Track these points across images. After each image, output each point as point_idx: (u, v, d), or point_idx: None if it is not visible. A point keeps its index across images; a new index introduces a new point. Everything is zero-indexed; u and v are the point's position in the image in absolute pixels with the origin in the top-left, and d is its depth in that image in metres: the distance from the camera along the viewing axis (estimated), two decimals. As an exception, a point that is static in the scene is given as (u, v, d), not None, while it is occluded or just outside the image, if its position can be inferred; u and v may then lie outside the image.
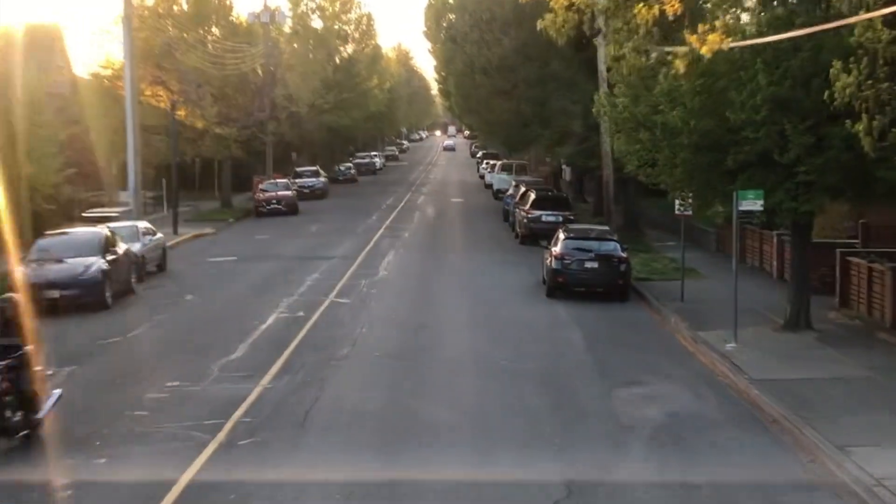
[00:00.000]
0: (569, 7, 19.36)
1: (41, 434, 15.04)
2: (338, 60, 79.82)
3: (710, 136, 22.11)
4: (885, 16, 15.55)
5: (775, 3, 21.85)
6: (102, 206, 44.79)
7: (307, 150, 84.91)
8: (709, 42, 13.95)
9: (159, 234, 35.51)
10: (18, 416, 14.60)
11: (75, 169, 42.09)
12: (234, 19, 62.62)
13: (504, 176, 66.65)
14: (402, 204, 63.77)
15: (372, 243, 42.14)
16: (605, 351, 22.29)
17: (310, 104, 68.27)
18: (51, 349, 21.80)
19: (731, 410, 17.49)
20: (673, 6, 17.93)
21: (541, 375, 19.87)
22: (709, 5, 22.57)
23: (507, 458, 14.85)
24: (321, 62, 70.58)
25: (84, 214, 39.66)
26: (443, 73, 79.99)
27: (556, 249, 29.07)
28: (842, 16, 16.27)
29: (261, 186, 59.27)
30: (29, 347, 15.01)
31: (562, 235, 29.87)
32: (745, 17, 22.85)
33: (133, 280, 29.80)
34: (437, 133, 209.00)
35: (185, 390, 18.26)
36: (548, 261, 29.62)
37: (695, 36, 13.84)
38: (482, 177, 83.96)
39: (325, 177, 71.93)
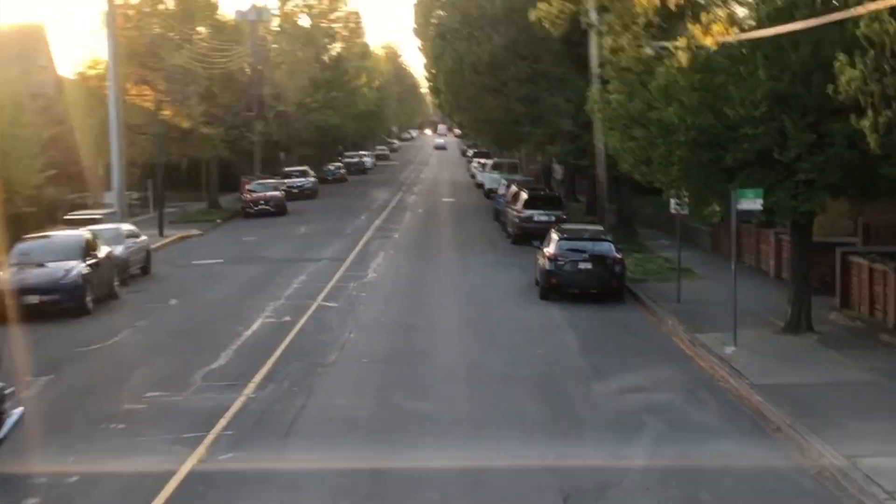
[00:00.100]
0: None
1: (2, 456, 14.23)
2: (326, 59, 79.11)
3: (708, 133, 21.45)
4: (892, 7, 14.90)
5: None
6: (87, 207, 44.05)
7: (296, 150, 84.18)
8: (714, 33, 13.26)
9: (143, 237, 34.81)
10: None
11: (59, 170, 41.39)
12: (221, 17, 61.89)
13: (495, 175, 65.99)
14: (393, 204, 63.10)
15: (361, 244, 41.47)
16: (601, 355, 21.62)
17: (298, 103, 67.54)
18: (29, 357, 21.28)
19: (733, 418, 16.84)
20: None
21: (535, 381, 19.26)
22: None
23: (501, 469, 14.25)
24: (309, 60, 69.78)
25: (66, 217, 38.90)
26: (433, 71, 79.29)
27: (550, 250, 28.45)
28: (846, 7, 15.61)
29: (248, 187, 58.55)
30: None
31: (555, 236, 29.25)
32: (741, 12, 22.19)
33: (115, 284, 29.10)
34: (428, 132, 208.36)
35: (165, 401, 17.58)
36: (541, 262, 29.00)
37: (699, 26, 13.14)
38: (473, 176, 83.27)
39: (314, 177, 71.23)
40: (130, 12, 53.37)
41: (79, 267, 26.63)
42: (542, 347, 22.39)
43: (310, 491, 13.44)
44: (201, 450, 14.70)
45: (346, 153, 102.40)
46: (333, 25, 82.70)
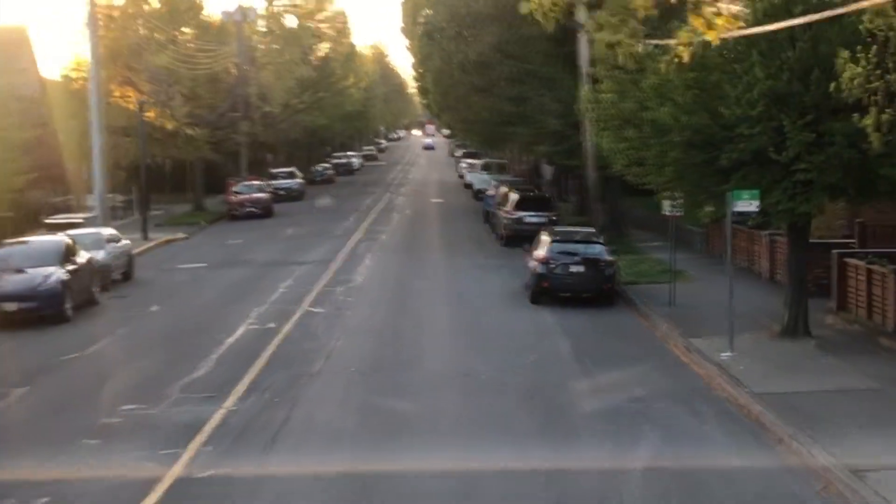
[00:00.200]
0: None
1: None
2: (313, 59, 78.44)
3: (703, 133, 20.84)
4: (896, 1, 14.37)
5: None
6: (70, 210, 43.34)
7: (283, 151, 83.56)
8: (718, 26, 12.67)
9: (125, 241, 34.13)
10: None
11: (42, 173, 40.72)
12: (206, 18, 61.23)
13: (484, 175, 65.35)
14: (381, 205, 62.44)
15: (349, 247, 40.81)
16: (595, 362, 20.97)
17: (284, 103, 66.87)
18: (3, 367, 20.63)
19: (733, 429, 16.21)
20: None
21: (528, 389, 18.66)
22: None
23: (493, 484, 13.66)
24: (296, 61, 69.10)
25: (47, 220, 38.15)
26: (420, 70, 78.85)
27: (541, 253, 27.85)
28: (847, 2, 15.04)
29: (234, 189, 57.78)
30: None
31: (546, 238, 28.64)
32: (734, 8, 21.58)
33: (96, 290, 28.42)
34: (416, 132, 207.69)
35: (142, 414, 16.91)
36: (531, 265, 28.38)
37: (700, 20, 12.55)
38: (461, 176, 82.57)
39: (301, 178, 70.55)
40: (115, 13, 52.71)
41: (58, 273, 25.96)
42: (533, 354, 21.77)
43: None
44: (178, 467, 14.03)
45: (334, 154, 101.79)
46: (320, 25, 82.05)
